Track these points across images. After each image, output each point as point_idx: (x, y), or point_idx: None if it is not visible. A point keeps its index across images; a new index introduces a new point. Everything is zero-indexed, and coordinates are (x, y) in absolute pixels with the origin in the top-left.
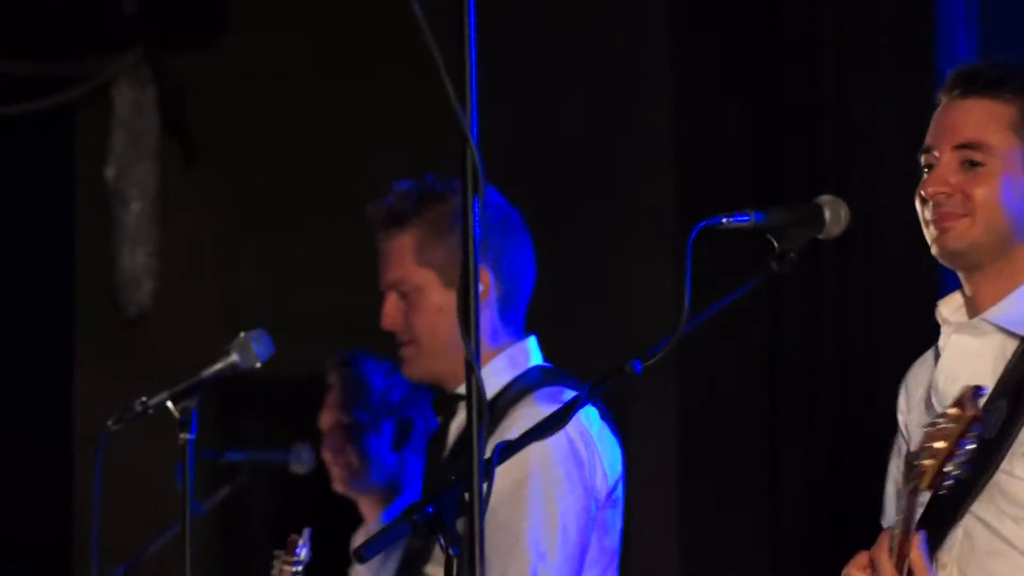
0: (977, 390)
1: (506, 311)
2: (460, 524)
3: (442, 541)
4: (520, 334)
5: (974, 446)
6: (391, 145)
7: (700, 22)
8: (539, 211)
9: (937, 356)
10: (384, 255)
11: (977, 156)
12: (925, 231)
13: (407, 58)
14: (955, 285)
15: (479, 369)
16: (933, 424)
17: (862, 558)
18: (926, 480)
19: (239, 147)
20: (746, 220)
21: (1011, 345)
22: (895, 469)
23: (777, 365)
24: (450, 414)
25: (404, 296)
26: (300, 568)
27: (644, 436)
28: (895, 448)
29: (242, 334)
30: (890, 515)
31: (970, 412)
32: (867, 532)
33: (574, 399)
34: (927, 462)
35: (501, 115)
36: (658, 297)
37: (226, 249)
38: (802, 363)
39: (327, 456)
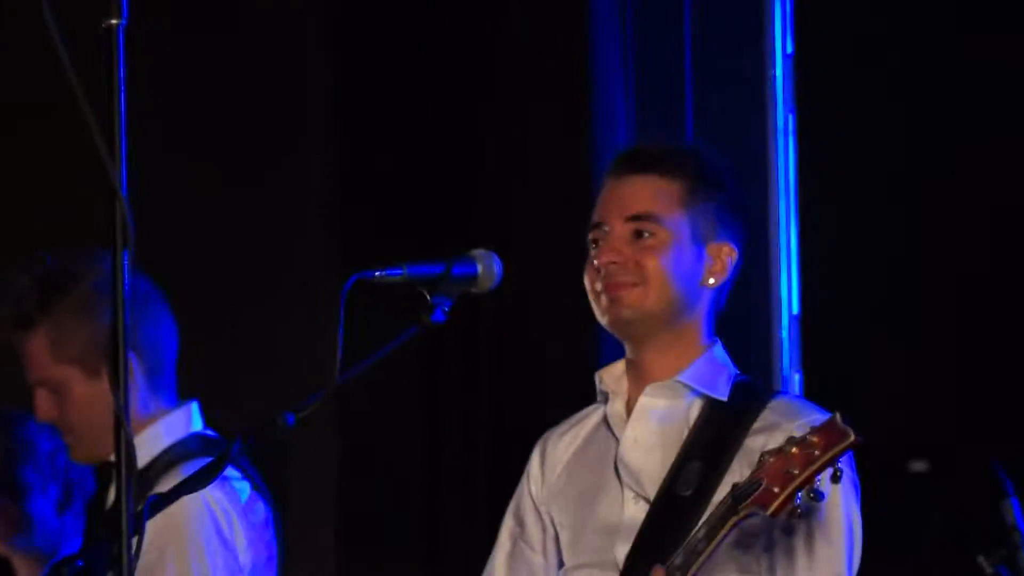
0: (846, 423)
1: (154, 380)
2: None
3: None
4: (174, 401)
5: (823, 477)
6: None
7: (358, 78)
8: (192, 270)
9: (604, 425)
10: (22, 355)
11: (648, 227)
12: (595, 303)
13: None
14: (612, 354)
15: (128, 423)
16: (782, 451)
17: None
18: (773, 507)
19: None
20: (398, 274)
21: (696, 407)
22: (507, 536)
23: (436, 420)
24: (107, 482)
25: (53, 391)
26: None
27: (305, 493)
28: (511, 511)
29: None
30: None
31: (845, 442)
32: None
33: (224, 451)
34: (777, 488)
35: (155, 162)
36: (317, 351)
37: None
38: (460, 412)
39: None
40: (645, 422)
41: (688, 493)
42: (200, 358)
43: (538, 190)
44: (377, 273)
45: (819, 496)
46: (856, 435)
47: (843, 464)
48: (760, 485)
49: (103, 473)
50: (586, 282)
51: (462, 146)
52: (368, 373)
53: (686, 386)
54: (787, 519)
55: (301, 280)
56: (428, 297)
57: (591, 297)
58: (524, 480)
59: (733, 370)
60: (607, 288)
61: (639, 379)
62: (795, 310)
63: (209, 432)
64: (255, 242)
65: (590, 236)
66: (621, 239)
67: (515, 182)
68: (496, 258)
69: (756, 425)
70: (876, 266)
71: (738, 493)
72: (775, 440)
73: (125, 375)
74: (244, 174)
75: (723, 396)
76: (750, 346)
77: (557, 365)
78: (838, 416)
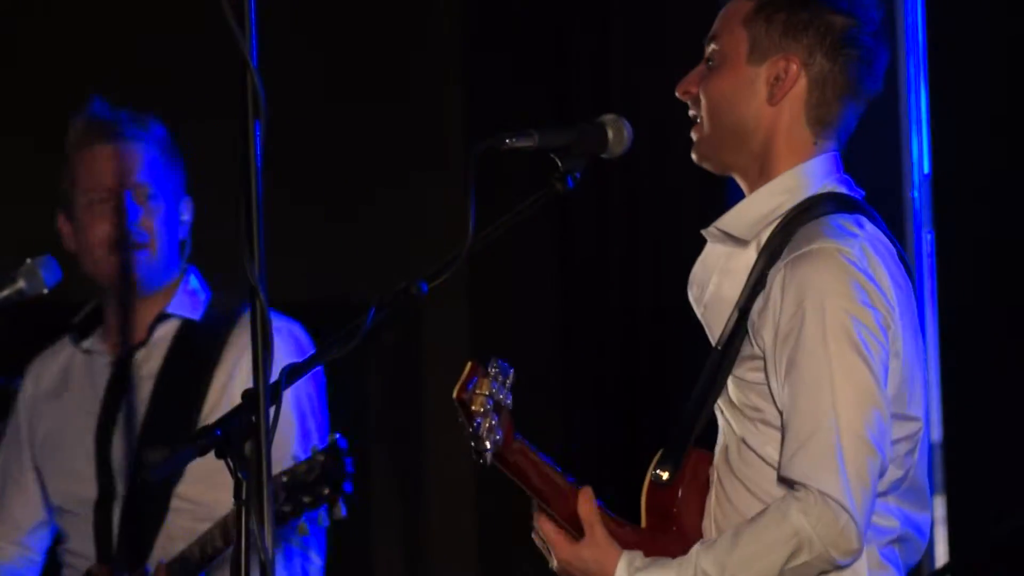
0: (477, 366)
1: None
2: (248, 447)
3: (230, 464)
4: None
5: (492, 420)
6: (184, 72)
7: None
8: (323, 135)
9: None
10: (119, 158)
11: (710, 51)
12: None
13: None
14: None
15: (264, 294)
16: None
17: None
18: (473, 451)
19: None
20: (529, 139)
21: (744, 256)
22: None
23: (568, 285)
24: None
25: (142, 201)
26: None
27: (438, 362)
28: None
29: (28, 260)
30: None
31: (462, 394)
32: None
33: (367, 322)
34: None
35: (288, 36)
36: (448, 219)
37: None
38: (593, 280)
39: None
40: (701, 267)
41: (720, 346)
42: (338, 230)
43: (669, 53)
44: (507, 140)
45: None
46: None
47: (843, 300)
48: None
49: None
50: None
51: (594, 11)
52: (501, 242)
53: (720, 231)
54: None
55: (433, 148)
56: (559, 163)
57: None
58: None
59: (812, 188)
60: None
61: None
62: (926, 169)
63: None
64: (387, 114)
65: None
66: (698, 69)
67: (645, 44)
68: (627, 123)
69: (775, 265)
70: (1009, 122)
71: None
72: (772, 285)
73: (261, 245)
74: (374, 49)
75: (747, 236)
76: (881, 206)
77: (692, 229)
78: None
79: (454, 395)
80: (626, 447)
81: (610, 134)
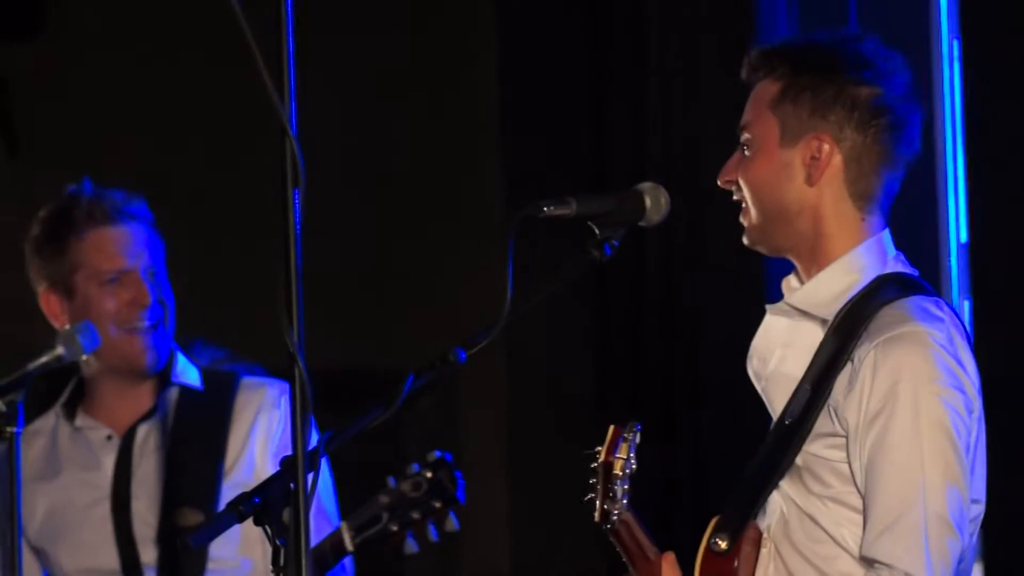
0: (620, 430)
1: None
2: (286, 514)
3: (268, 531)
4: None
5: (627, 486)
6: (211, 140)
7: (526, 16)
8: (362, 202)
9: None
10: (132, 239)
11: (744, 138)
12: None
13: (228, 50)
14: (777, 272)
15: (303, 361)
16: (592, 458)
17: None
18: (597, 517)
19: (61, 139)
20: (567, 207)
21: (820, 330)
22: None
23: (604, 352)
24: None
25: (154, 280)
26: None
27: (474, 427)
28: None
29: (68, 326)
30: None
31: (609, 457)
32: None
33: (405, 390)
34: (595, 498)
35: (322, 105)
36: (484, 286)
37: None
38: (629, 348)
39: None
40: (766, 340)
41: (790, 422)
42: (371, 296)
43: (705, 123)
44: (546, 207)
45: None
46: (613, 448)
47: (934, 383)
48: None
49: None
50: None
51: (631, 80)
52: (537, 309)
53: (794, 308)
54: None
55: (471, 215)
56: (596, 231)
57: None
58: None
59: (879, 268)
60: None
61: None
62: (963, 238)
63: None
64: (425, 179)
65: None
66: (736, 156)
67: (682, 114)
68: (664, 191)
69: (859, 344)
70: None
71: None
72: (860, 364)
73: (300, 316)
74: (411, 110)
75: (828, 315)
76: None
77: (727, 300)
78: (614, 428)
79: (601, 458)
80: (662, 512)
81: (648, 202)
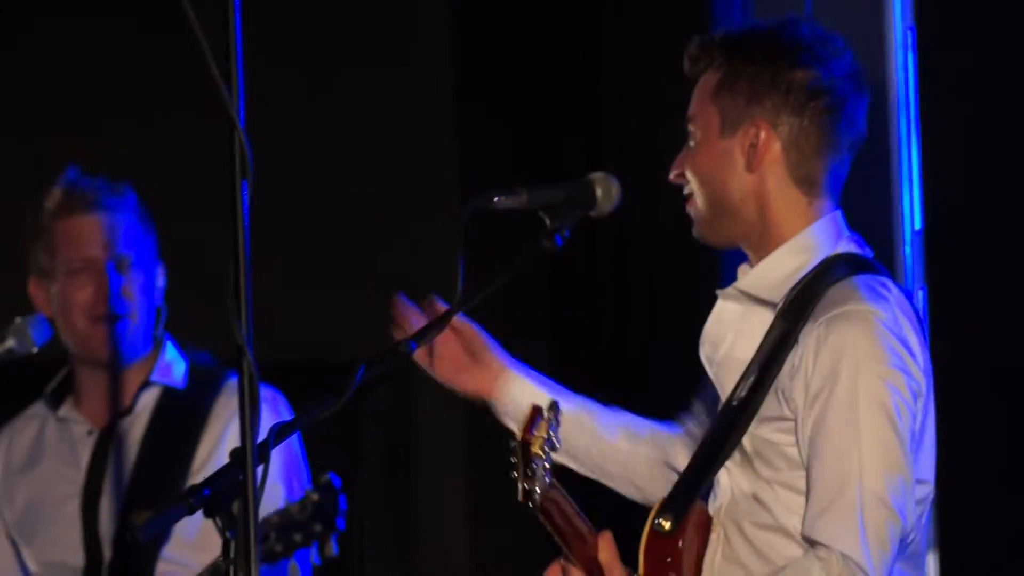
0: (539, 409)
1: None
2: (236, 506)
3: (219, 523)
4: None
5: (546, 464)
6: (163, 131)
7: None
8: (315, 191)
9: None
10: (102, 229)
11: (690, 129)
12: None
13: (180, 42)
14: (733, 275)
15: (251, 352)
16: (511, 446)
17: (554, 569)
18: (519, 496)
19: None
20: (518, 198)
21: (770, 313)
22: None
23: (559, 344)
24: None
25: (125, 271)
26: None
27: (431, 420)
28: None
29: (18, 319)
30: None
31: (526, 435)
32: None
33: (351, 378)
34: (515, 475)
35: (277, 96)
36: (437, 276)
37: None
38: (584, 338)
39: None
40: (715, 325)
41: (737, 404)
42: (323, 286)
43: (657, 111)
44: (497, 198)
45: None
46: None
47: (877, 365)
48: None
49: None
50: None
51: (584, 70)
52: (492, 300)
53: (742, 293)
54: None
55: (424, 205)
56: (548, 221)
57: None
58: None
59: (828, 249)
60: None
61: None
62: (917, 226)
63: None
64: (377, 168)
65: None
66: (684, 149)
67: (634, 101)
68: (615, 180)
69: (806, 327)
70: (1000, 178)
71: None
72: (805, 345)
73: (248, 308)
74: (364, 101)
75: (775, 298)
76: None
77: (679, 287)
78: (531, 407)
79: (518, 436)
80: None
81: (599, 192)
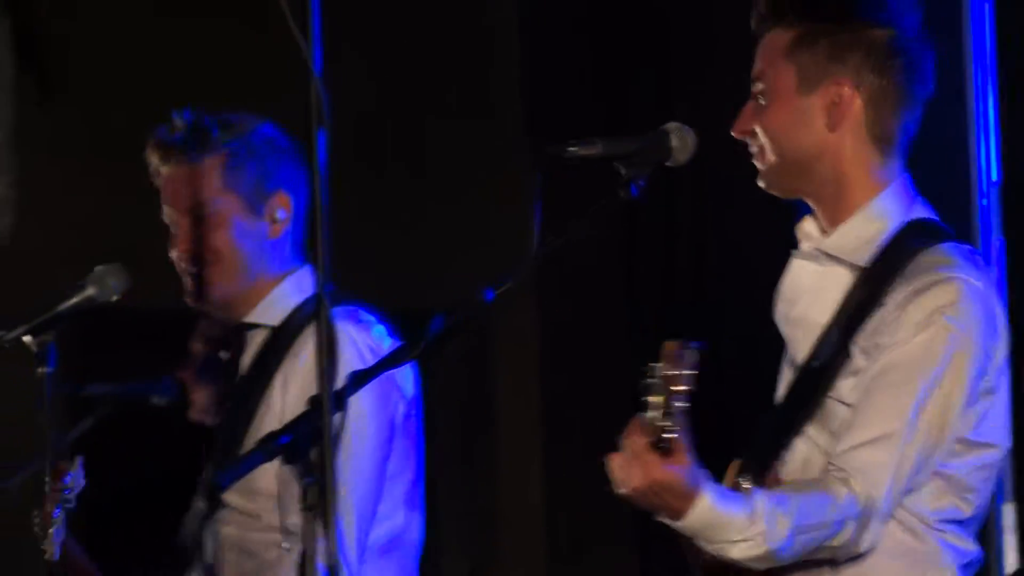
0: (683, 345)
1: (296, 236)
2: (315, 453)
3: (297, 470)
4: (303, 260)
5: (686, 404)
6: (250, 83)
7: None
8: (386, 146)
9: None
10: (181, 179)
11: (759, 88)
12: None
13: None
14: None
15: (328, 300)
16: (651, 383)
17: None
18: (653, 434)
19: (97, 81)
20: (593, 147)
21: (845, 277)
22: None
23: (635, 296)
24: (240, 345)
25: (202, 220)
26: (70, 495)
27: (508, 371)
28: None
29: (98, 267)
30: None
31: (669, 371)
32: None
33: (432, 330)
34: (651, 415)
35: (348, 48)
36: (511, 228)
37: (82, 182)
38: (658, 288)
39: (190, 381)
40: (794, 285)
41: (818, 365)
42: (400, 239)
43: (730, 59)
44: (571, 148)
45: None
46: (678, 365)
47: (962, 330)
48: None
49: (233, 339)
50: None
51: (656, 21)
52: (566, 249)
53: (824, 254)
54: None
55: (497, 158)
56: (623, 171)
57: None
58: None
59: (905, 215)
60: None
61: (824, 231)
62: (995, 177)
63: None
64: (449, 123)
65: None
66: (749, 105)
67: (707, 52)
68: (690, 130)
69: (891, 290)
70: None
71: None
72: (892, 307)
73: (327, 255)
74: (438, 61)
75: (861, 261)
76: (950, 213)
77: (758, 236)
78: (677, 345)
79: (660, 373)
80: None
81: (674, 141)
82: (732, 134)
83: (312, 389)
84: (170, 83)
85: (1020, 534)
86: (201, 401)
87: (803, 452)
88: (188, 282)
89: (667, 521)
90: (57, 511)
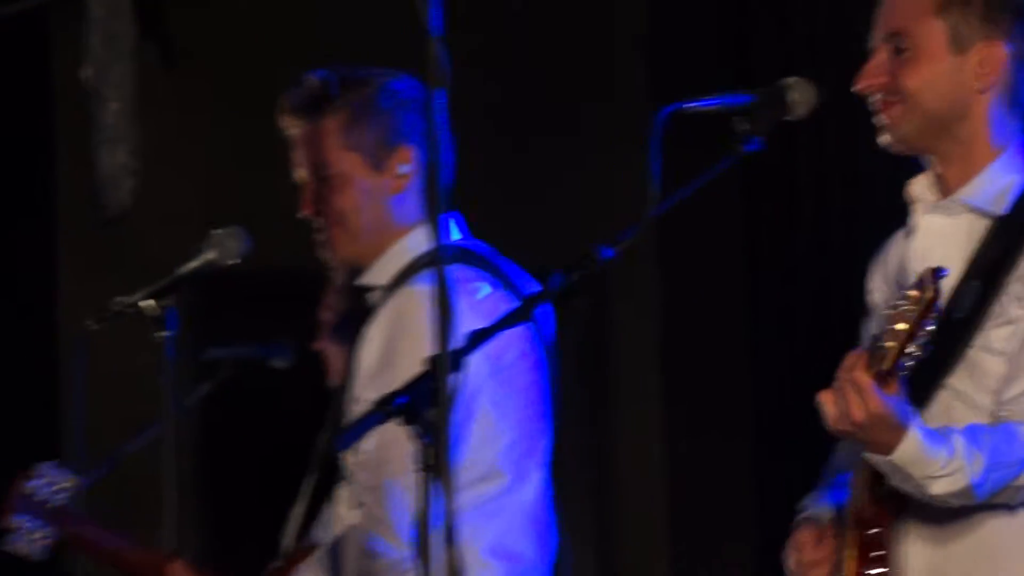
0: (937, 271)
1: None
2: (432, 413)
3: (416, 430)
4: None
5: (934, 327)
6: (369, 45)
7: None
8: (505, 99)
9: (908, 235)
10: (305, 140)
11: (903, 43)
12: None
13: None
14: None
15: (446, 261)
16: (895, 306)
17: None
18: (888, 362)
19: (217, 48)
20: (713, 103)
21: (980, 225)
22: None
23: (756, 252)
24: (364, 306)
25: (325, 180)
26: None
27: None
28: (864, 330)
29: (218, 231)
30: None
31: (929, 293)
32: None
33: (547, 286)
34: (889, 344)
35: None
36: (630, 183)
37: (205, 147)
38: (780, 248)
39: (327, 351)
40: (925, 240)
41: (959, 316)
42: (521, 195)
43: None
44: (691, 103)
45: (925, 350)
46: (935, 289)
47: None
48: (882, 344)
49: (352, 298)
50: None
51: None
52: (686, 205)
53: (962, 205)
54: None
55: (617, 113)
56: (742, 127)
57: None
58: (867, 299)
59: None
60: (875, 110)
61: (942, 188)
62: None
63: (474, 242)
64: (571, 78)
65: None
66: (880, 59)
67: (826, 7)
68: (811, 85)
69: None
70: None
71: (873, 350)
72: None
73: (443, 214)
74: (556, 14)
75: (999, 210)
76: None
77: (878, 190)
78: (927, 271)
79: (924, 295)
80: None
81: (794, 96)
82: (856, 88)
83: (383, 351)
84: (296, 46)
85: None
86: (339, 368)
87: (945, 403)
88: (321, 241)
89: (872, 456)
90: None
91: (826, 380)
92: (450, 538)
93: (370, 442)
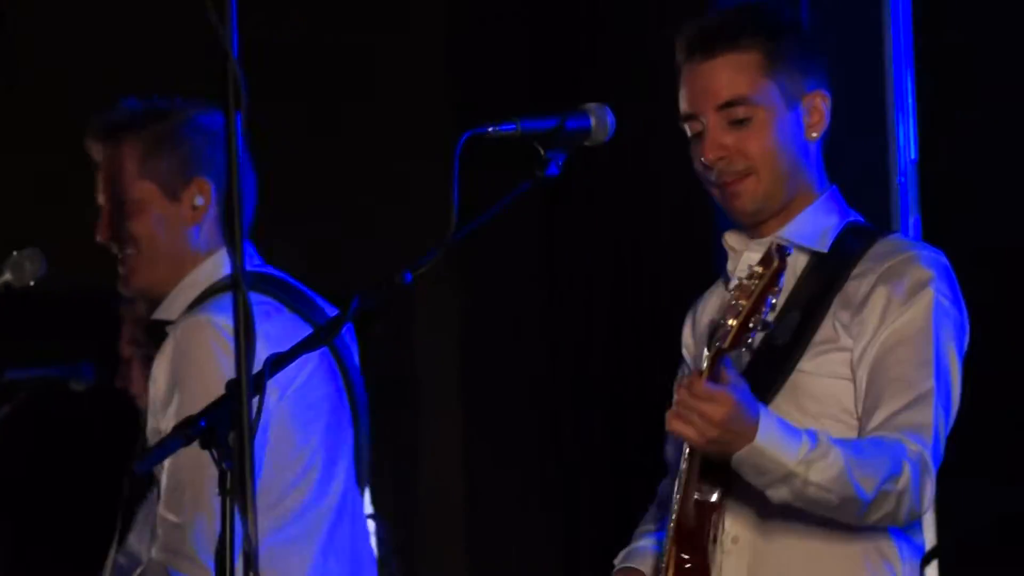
0: (783, 248)
1: (220, 215)
2: (232, 438)
3: (215, 455)
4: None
5: (776, 300)
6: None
7: None
8: (309, 119)
9: (727, 282)
10: (105, 165)
11: (742, 112)
12: (715, 195)
13: None
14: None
15: (245, 285)
16: (738, 286)
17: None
18: (729, 340)
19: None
20: (512, 128)
21: (800, 261)
22: None
23: (556, 275)
24: (161, 339)
25: (121, 206)
26: None
27: (428, 353)
28: (677, 380)
29: (15, 253)
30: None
31: (775, 264)
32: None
33: (345, 310)
34: (732, 321)
35: (269, 21)
36: (430, 209)
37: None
38: (579, 271)
39: (130, 385)
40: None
41: (782, 343)
42: (316, 220)
43: (652, 41)
44: (490, 128)
45: (767, 325)
46: (780, 259)
47: (946, 299)
48: (724, 323)
49: (155, 334)
50: (698, 170)
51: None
52: (485, 229)
53: (785, 241)
54: (742, 349)
55: (416, 138)
56: (542, 151)
57: (709, 189)
58: (683, 351)
59: (845, 216)
60: (721, 185)
61: (761, 236)
62: (913, 155)
63: (268, 269)
64: (370, 105)
65: (685, 125)
66: (719, 130)
67: (628, 32)
68: (609, 111)
69: (855, 271)
70: (996, 107)
71: (714, 333)
72: (867, 283)
73: (241, 238)
74: (357, 37)
75: (823, 247)
76: (868, 190)
77: (675, 217)
78: (773, 245)
79: (758, 270)
80: (614, 427)
81: (593, 121)
82: (708, 159)
83: (169, 383)
84: (97, 70)
85: (937, 512)
86: (146, 401)
87: None
88: (120, 274)
89: (736, 457)
90: None
91: (624, 399)
92: (253, 564)
93: (168, 467)
